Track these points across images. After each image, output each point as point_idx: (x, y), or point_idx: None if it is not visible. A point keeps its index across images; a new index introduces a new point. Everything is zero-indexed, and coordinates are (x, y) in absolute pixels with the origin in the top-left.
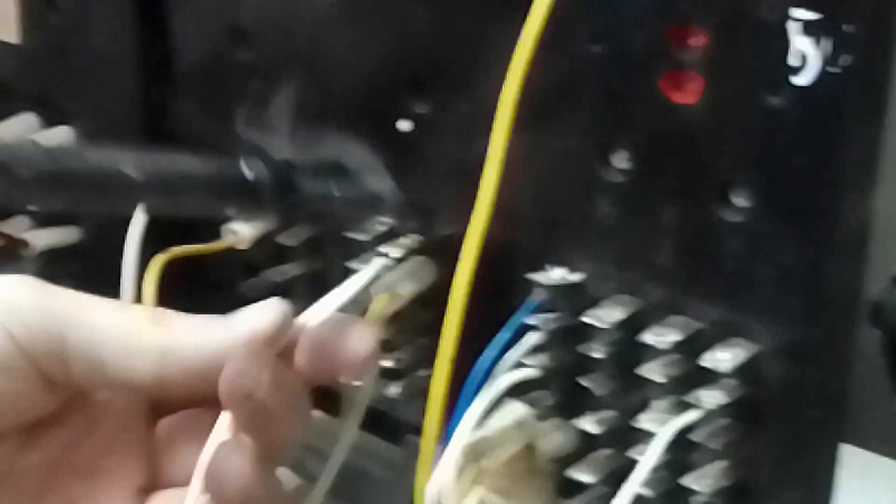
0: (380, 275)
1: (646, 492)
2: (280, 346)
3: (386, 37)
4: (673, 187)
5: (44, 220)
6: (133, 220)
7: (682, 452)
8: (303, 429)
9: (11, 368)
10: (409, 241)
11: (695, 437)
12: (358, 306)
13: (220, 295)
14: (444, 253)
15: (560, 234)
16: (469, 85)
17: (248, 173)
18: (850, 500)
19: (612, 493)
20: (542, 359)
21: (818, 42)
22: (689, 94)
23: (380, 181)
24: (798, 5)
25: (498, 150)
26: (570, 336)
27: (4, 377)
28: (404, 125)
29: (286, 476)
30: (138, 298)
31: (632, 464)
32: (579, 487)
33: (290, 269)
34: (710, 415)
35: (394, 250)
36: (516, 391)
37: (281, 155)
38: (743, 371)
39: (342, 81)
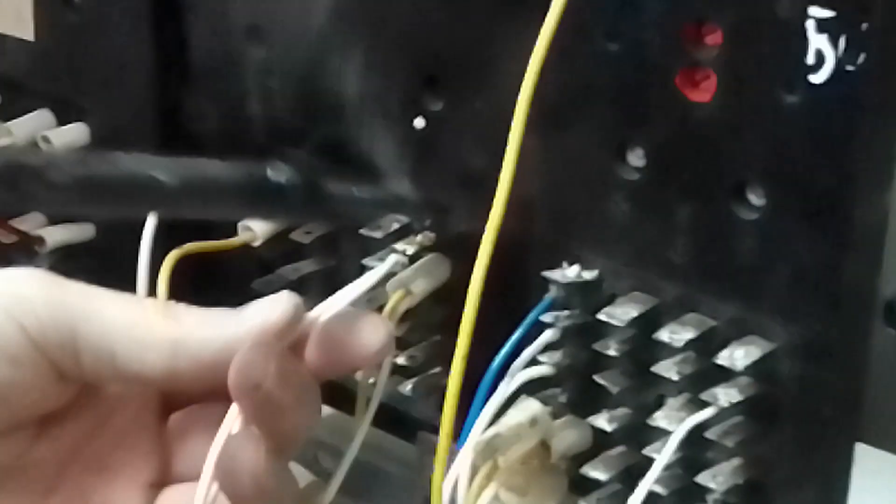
0: (394, 272)
1: (660, 489)
2: (291, 339)
3: (400, 34)
4: (688, 185)
5: (58, 217)
6: (147, 217)
7: (696, 450)
8: (312, 422)
9: (23, 361)
10: (423, 238)
11: (709, 434)
12: (372, 304)
13: (233, 292)
14: (458, 250)
15: (575, 231)
16: (484, 83)
17: (274, 178)
18: (865, 500)
19: (626, 491)
20: (557, 356)
21: (834, 40)
22: (704, 92)
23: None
24: (814, 3)
25: (514, 147)
26: (584, 333)
27: (16, 369)
28: (419, 123)
29: (299, 473)
30: (152, 295)
31: (646, 461)
32: (593, 485)
33: (305, 266)
34: (725, 412)
35: (408, 247)
36: (531, 388)
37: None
38: (757, 369)
39: (357, 79)
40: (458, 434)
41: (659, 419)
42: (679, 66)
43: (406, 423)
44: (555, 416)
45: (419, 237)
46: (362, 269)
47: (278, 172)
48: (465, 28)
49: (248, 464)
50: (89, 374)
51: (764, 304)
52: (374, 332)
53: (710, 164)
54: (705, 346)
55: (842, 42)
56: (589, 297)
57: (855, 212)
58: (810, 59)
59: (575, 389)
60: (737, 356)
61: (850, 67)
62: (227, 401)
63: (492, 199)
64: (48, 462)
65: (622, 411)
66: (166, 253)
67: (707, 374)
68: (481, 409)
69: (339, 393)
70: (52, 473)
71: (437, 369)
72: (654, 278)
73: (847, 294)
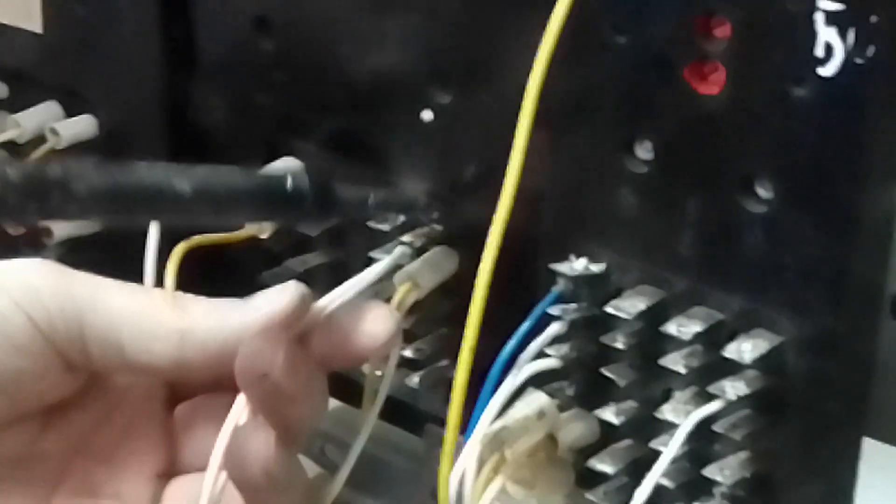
0: (401, 264)
1: (667, 482)
2: (297, 328)
3: (409, 27)
4: (696, 178)
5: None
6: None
7: (703, 443)
8: (318, 413)
9: (31, 351)
10: (430, 230)
11: (716, 427)
12: (380, 296)
13: (240, 284)
14: (465, 243)
15: (583, 224)
16: (492, 75)
17: (290, 185)
18: (872, 495)
19: (633, 484)
20: (564, 349)
21: (843, 33)
22: (713, 85)
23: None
24: None
25: (522, 140)
26: (592, 326)
27: (24, 359)
28: (427, 115)
29: (306, 465)
30: (159, 287)
31: (653, 454)
32: (600, 477)
33: (312, 259)
34: (732, 406)
35: (415, 240)
36: (538, 381)
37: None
38: (765, 362)
39: (365, 72)
40: (465, 427)
41: (666, 412)
42: (688, 59)
43: (413, 415)
44: (562, 408)
45: (427, 230)
46: (369, 262)
47: (293, 179)
48: (473, 20)
49: (259, 453)
50: (97, 364)
51: (771, 298)
52: (381, 323)
53: (719, 158)
54: (713, 339)
55: (851, 35)
56: (596, 289)
57: (863, 205)
58: (819, 52)
59: (582, 382)
60: (744, 349)
61: (859, 60)
62: (234, 391)
63: (499, 192)
64: (56, 453)
65: (629, 404)
66: (174, 245)
67: (714, 368)
68: (488, 401)
69: (347, 385)
70: (59, 464)
71: (444, 362)
72: (662, 271)
73: (854, 288)
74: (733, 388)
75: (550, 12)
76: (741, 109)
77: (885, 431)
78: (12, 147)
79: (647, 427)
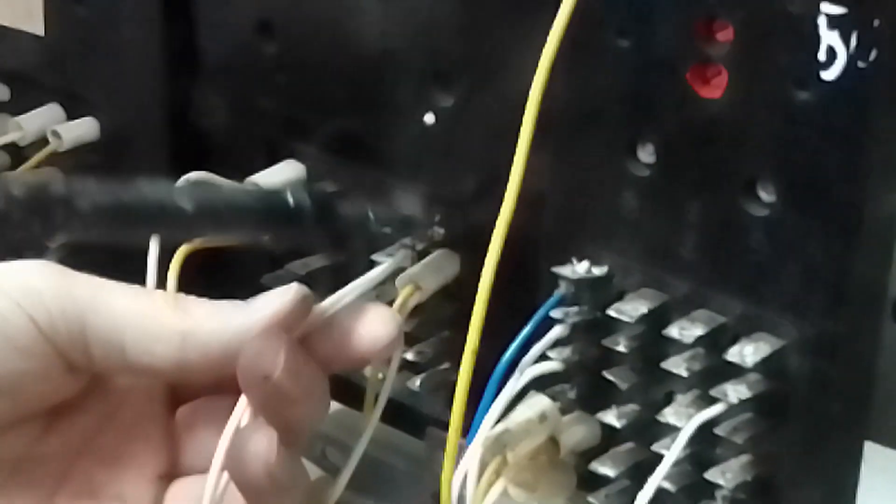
0: (403, 267)
1: (668, 485)
2: (299, 330)
3: (411, 29)
4: (699, 181)
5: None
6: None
7: (705, 446)
8: (320, 415)
9: (33, 352)
10: (432, 233)
11: (718, 431)
12: (382, 299)
13: (243, 287)
14: (467, 246)
15: (585, 227)
16: (494, 79)
17: (291, 201)
18: (873, 498)
19: (635, 487)
20: (566, 352)
21: (846, 36)
22: (715, 89)
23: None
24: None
25: (524, 143)
26: (594, 329)
27: (26, 361)
28: (429, 118)
29: (308, 468)
30: (162, 289)
31: (655, 457)
32: (602, 481)
33: (314, 262)
34: (734, 409)
35: (417, 243)
36: (540, 384)
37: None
38: (767, 365)
39: (367, 74)
40: (467, 430)
41: (668, 415)
42: (690, 63)
43: (414, 418)
44: (564, 411)
45: (429, 233)
46: (371, 265)
47: (294, 196)
48: (476, 23)
49: (261, 454)
50: (99, 365)
51: (773, 301)
52: (383, 325)
53: (721, 161)
54: (715, 342)
55: (853, 39)
56: (598, 293)
57: (865, 209)
58: (822, 56)
59: (584, 385)
60: (746, 353)
61: (861, 64)
62: (236, 393)
63: (502, 195)
64: (57, 454)
65: (631, 407)
66: (176, 247)
67: (716, 371)
68: (490, 404)
69: (348, 388)
70: (61, 466)
71: (445, 365)
72: (664, 274)
73: (856, 291)
74: (735, 392)
75: (553, 16)
76: (743, 113)
77: (886, 435)
78: (14, 149)
79: (648, 430)
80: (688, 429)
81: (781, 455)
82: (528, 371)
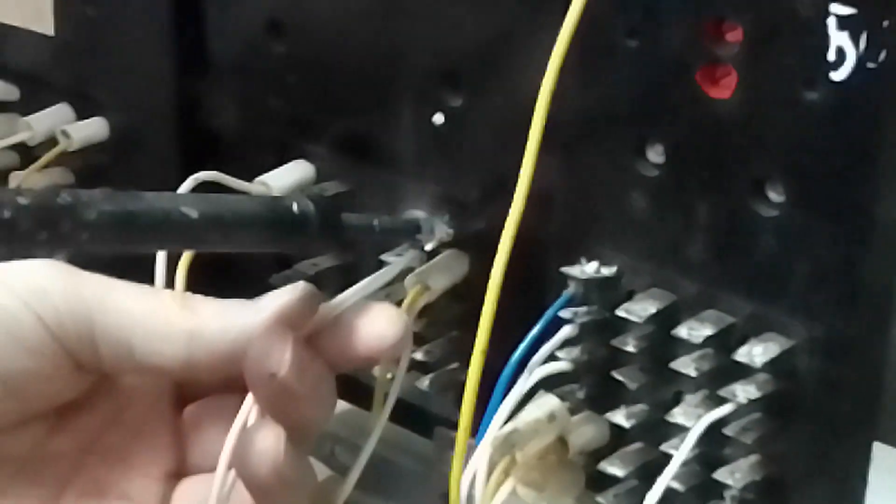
0: (412, 267)
1: (677, 485)
2: (306, 329)
3: (420, 29)
4: (708, 181)
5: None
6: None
7: (714, 446)
8: (326, 414)
9: (41, 351)
10: (442, 233)
11: (727, 431)
12: (391, 299)
13: (251, 287)
14: (476, 246)
15: (594, 227)
16: (504, 79)
17: (296, 209)
18: (881, 499)
19: (644, 487)
20: (575, 352)
21: (855, 37)
22: (724, 89)
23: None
24: (835, 0)
25: (534, 143)
26: (603, 329)
27: (34, 360)
28: (438, 118)
29: (316, 467)
30: (170, 289)
31: (663, 458)
32: (611, 480)
33: (322, 262)
34: (743, 409)
35: (427, 243)
36: (549, 384)
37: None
38: (776, 366)
39: (376, 74)
40: (476, 429)
41: (677, 415)
42: (699, 63)
43: (423, 418)
44: (572, 411)
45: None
46: (380, 265)
47: (299, 205)
48: (485, 23)
49: (268, 451)
50: (106, 364)
51: (783, 301)
52: (390, 324)
53: (730, 161)
54: (724, 342)
55: (863, 39)
56: (607, 293)
57: (874, 209)
58: (831, 56)
59: (593, 385)
60: (755, 353)
61: (871, 65)
62: (243, 393)
63: (511, 196)
64: (65, 453)
65: (640, 407)
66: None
67: (725, 371)
68: (499, 404)
69: (357, 388)
70: (68, 465)
71: (454, 365)
72: (673, 275)
73: (866, 291)
74: (744, 392)
75: (563, 16)
76: (753, 113)
77: (895, 435)
78: (24, 149)
79: (657, 430)
80: (697, 429)
81: (790, 455)
82: (537, 371)
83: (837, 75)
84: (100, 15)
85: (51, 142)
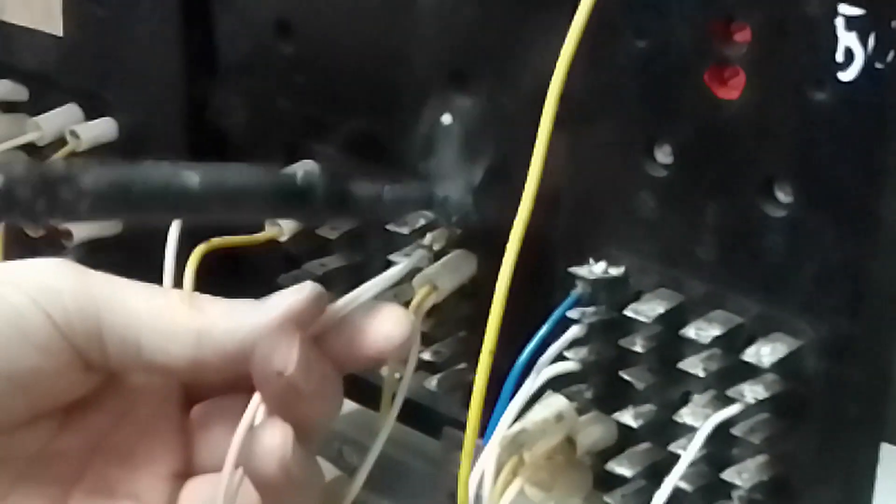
0: (420, 267)
1: (685, 486)
2: (313, 329)
3: (429, 29)
4: (716, 182)
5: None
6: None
7: (721, 447)
8: (332, 413)
9: (49, 350)
10: (449, 233)
11: (735, 431)
12: (398, 299)
13: (259, 287)
14: (484, 246)
15: (603, 227)
16: (512, 79)
17: (301, 180)
18: (889, 500)
19: (651, 487)
20: (583, 352)
21: (863, 38)
22: (733, 89)
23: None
24: (843, 1)
25: (542, 144)
26: (610, 330)
27: (43, 358)
28: (446, 118)
29: (324, 468)
30: (178, 288)
31: (671, 458)
32: (618, 480)
33: (331, 262)
34: (751, 409)
35: (434, 243)
36: (557, 384)
37: None
38: (784, 366)
39: (385, 74)
40: (484, 429)
41: (685, 415)
42: (708, 63)
43: (431, 418)
44: (580, 411)
45: (446, 233)
46: (388, 265)
47: (303, 175)
48: (494, 23)
49: (276, 449)
50: (114, 363)
51: (791, 302)
52: (397, 325)
53: (738, 161)
54: (732, 342)
55: (871, 40)
56: (615, 293)
57: (882, 209)
58: (839, 57)
59: (600, 385)
60: (763, 353)
61: (879, 65)
62: (250, 392)
63: (519, 195)
64: (72, 452)
65: (648, 407)
66: (193, 247)
67: (733, 371)
68: (507, 404)
69: (365, 388)
70: (76, 463)
71: (462, 365)
72: (681, 275)
73: (874, 292)
74: (752, 392)
75: (571, 16)
76: (761, 114)
77: None
78: (32, 149)
79: (665, 430)
80: (704, 429)
81: (798, 456)
82: (544, 371)
83: (845, 76)
84: (109, 15)
85: (59, 142)
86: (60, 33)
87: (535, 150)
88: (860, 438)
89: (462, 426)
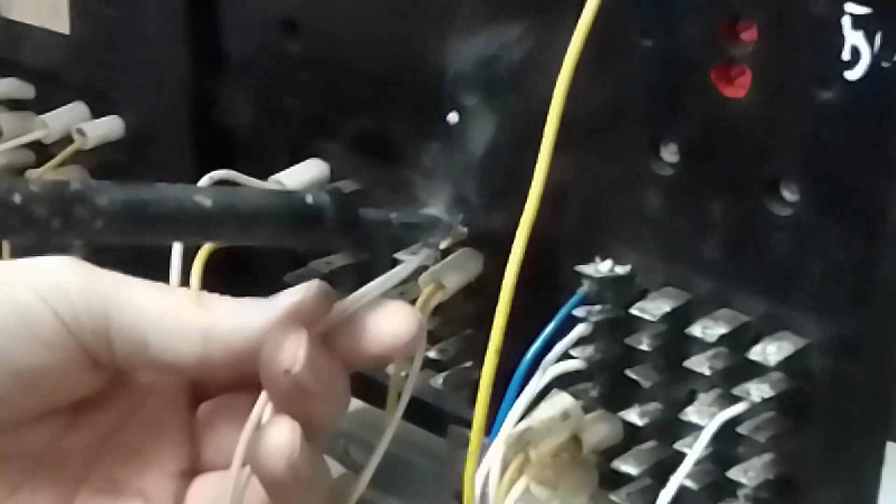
0: (426, 265)
1: (691, 484)
2: (321, 327)
3: (436, 28)
4: (722, 180)
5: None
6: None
7: (727, 445)
8: (339, 410)
9: (57, 347)
10: (456, 232)
11: (741, 429)
12: (405, 298)
13: (266, 285)
14: (490, 245)
15: (609, 226)
16: (518, 78)
17: (310, 200)
18: (895, 499)
19: (657, 485)
20: (589, 350)
21: (870, 36)
22: (739, 88)
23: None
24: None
25: (548, 142)
26: (617, 328)
27: (50, 355)
28: (453, 117)
29: (330, 465)
30: (185, 287)
31: (677, 456)
32: (624, 479)
33: (337, 260)
34: (756, 408)
35: (441, 241)
36: (563, 382)
37: None
38: (789, 365)
39: (391, 74)
40: (490, 428)
41: (690, 414)
42: (714, 63)
43: (437, 416)
44: (586, 410)
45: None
46: (394, 263)
47: (314, 197)
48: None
49: (284, 447)
50: (122, 361)
51: (797, 300)
52: (403, 322)
53: (744, 160)
54: (737, 341)
55: (878, 39)
56: (621, 291)
57: (889, 208)
58: (846, 56)
59: (606, 384)
60: (769, 352)
61: (885, 64)
62: (257, 391)
63: (525, 194)
64: (80, 450)
65: (654, 406)
66: (199, 246)
67: (739, 370)
68: (513, 402)
69: (371, 386)
70: (83, 461)
71: (468, 363)
72: (687, 273)
73: (880, 291)
74: (758, 391)
75: (578, 15)
76: (767, 113)
77: None
78: (39, 147)
79: (671, 429)
80: (710, 427)
81: (804, 454)
82: (550, 369)
83: (852, 75)
84: (115, 13)
85: (66, 140)
86: (67, 31)
87: (541, 149)
88: (866, 437)
89: (468, 424)
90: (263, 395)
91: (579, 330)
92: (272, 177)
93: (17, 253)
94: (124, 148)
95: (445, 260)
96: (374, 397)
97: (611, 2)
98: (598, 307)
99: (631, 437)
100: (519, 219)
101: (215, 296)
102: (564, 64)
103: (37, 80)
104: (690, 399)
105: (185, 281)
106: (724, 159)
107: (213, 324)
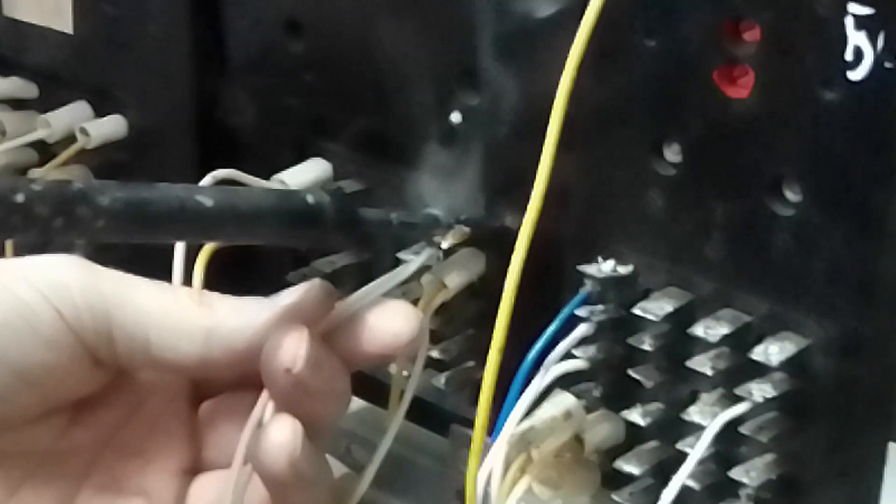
0: (429, 265)
1: (693, 484)
2: (322, 326)
3: (438, 28)
4: (724, 181)
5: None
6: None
7: (729, 445)
8: (340, 409)
9: (60, 345)
10: (458, 232)
11: (743, 429)
12: (407, 297)
13: (268, 284)
14: (492, 244)
15: (611, 226)
16: (521, 78)
17: (311, 200)
18: None
19: (659, 485)
20: (592, 350)
21: (873, 37)
22: (742, 89)
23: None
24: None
25: (551, 142)
26: (619, 328)
27: (53, 354)
28: (455, 117)
29: (332, 465)
30: (188, 286)
31: (679, 456)
32: (626, 479)
33: (339, 260)
34: (759, 408)
35: (443, 241)
36: (565, 382)
37: None
38: (792, 365)
39: (394, 73)
40: (492, 427)
41: (693, 414)
42: (717, 63)
43: (439, 416)
44: (588, 409)
45: (455, 231)
46: (397, 263)
47: (314, 197)
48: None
49: (285, 445)
50: (124, 360)
51: (799, 300)
52: (405, 322)
53: (747, 160)
54: (740, 341)
55: (881, 39)
56: (624, 291)
57: (891, 208)
58: (849, 56)
59: (609, 383)
60: (771, 352)
61: (888, 64)
62: (258, 390)
63: (528, 194)
64: (82, 448)
65: (656, 406)
66: (201, 245)
67: (741, 370)
68: (515, 402)
69: (373, 386)
70: (85, 459)
71: (470, 363)
72: (690, 273)
73: (882, 291)
74: (760, 391)
75: (581, 15)
76: (770, 113)
77: None
78: (42, 147)
79: (673, 428)
80: (712, 427)
81: (806, 454)
82: (553, 369)
83: (855, 75)
84: (119, 13)
85: (69, 139)
86: (70, 30)
87: (544, 149)
88: (868, 437)
89: (470, 424)
90: (265, 394)
91: (582, 330)
92: (275, 176)
93: (19, 251)
94: (127, 147)
95: (448, 259)
96: (377, 397)
97: (614, 2)
98: (600, 307)
99: (633, 436)
100: (522, 218)
101: (217, 295)
102: (567, 63)
103: (40, 79)
104: (693, 399)
105: (187, 280)
106: (726, 159)
107: (215, 323)
